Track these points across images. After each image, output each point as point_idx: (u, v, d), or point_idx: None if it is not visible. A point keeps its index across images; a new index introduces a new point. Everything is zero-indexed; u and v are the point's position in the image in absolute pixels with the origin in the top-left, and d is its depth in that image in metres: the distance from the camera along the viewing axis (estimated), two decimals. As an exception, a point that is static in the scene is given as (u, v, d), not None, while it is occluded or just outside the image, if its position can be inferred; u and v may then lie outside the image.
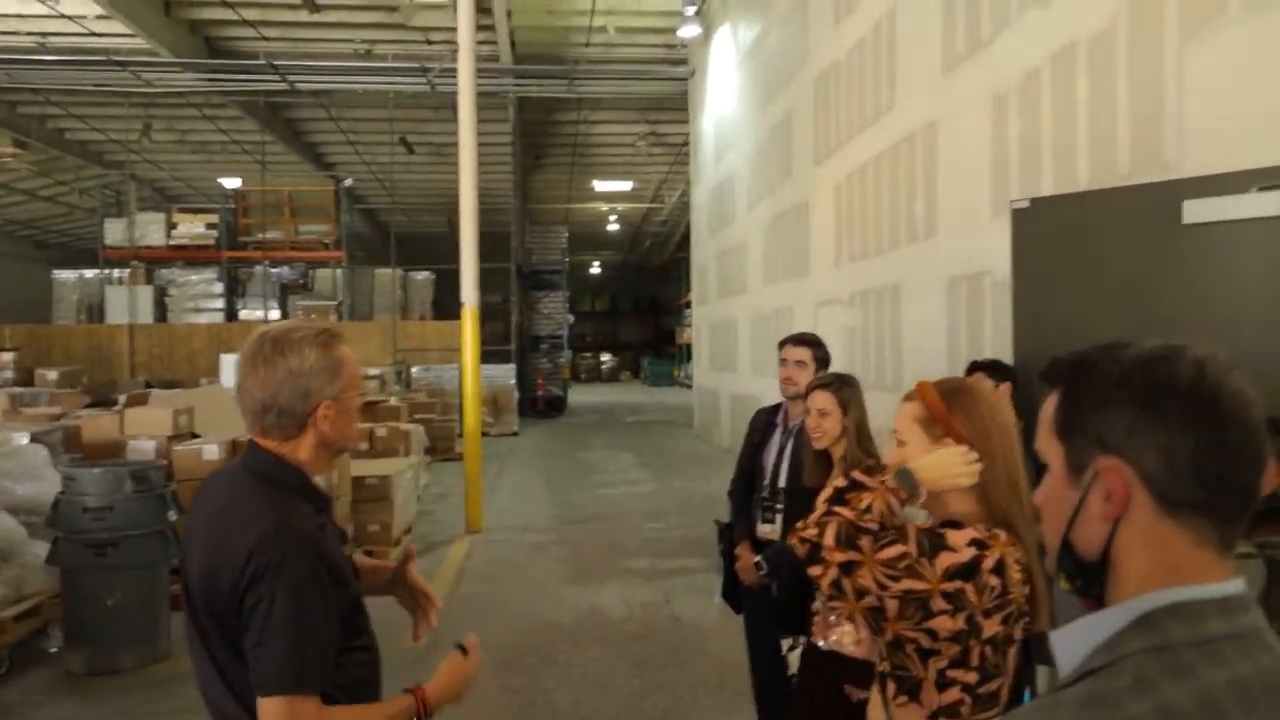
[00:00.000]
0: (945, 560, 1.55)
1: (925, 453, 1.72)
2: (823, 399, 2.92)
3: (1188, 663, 0.78)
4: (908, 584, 1.55)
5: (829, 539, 1.63)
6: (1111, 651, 0.82)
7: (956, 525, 1.62)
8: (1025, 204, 3.85)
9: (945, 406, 1.72)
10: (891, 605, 1.57)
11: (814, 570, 1.64)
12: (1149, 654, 0.80)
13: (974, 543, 1.57)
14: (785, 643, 2.85)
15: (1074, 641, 0.87)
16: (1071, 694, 0.81)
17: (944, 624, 1.55)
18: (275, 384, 1.63)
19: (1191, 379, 0.84)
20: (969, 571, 1.54)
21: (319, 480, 1.77)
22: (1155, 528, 0.85)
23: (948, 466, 1.66)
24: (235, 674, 1.59)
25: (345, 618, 1.64)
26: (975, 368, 3.85)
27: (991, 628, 1.56)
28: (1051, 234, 3.69)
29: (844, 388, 2.93)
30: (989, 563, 1.55)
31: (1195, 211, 3.04)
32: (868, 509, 1.66)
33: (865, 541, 1.61)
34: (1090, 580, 0.90)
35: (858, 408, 2.93)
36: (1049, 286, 3.72)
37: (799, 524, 1.73)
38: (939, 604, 1.54)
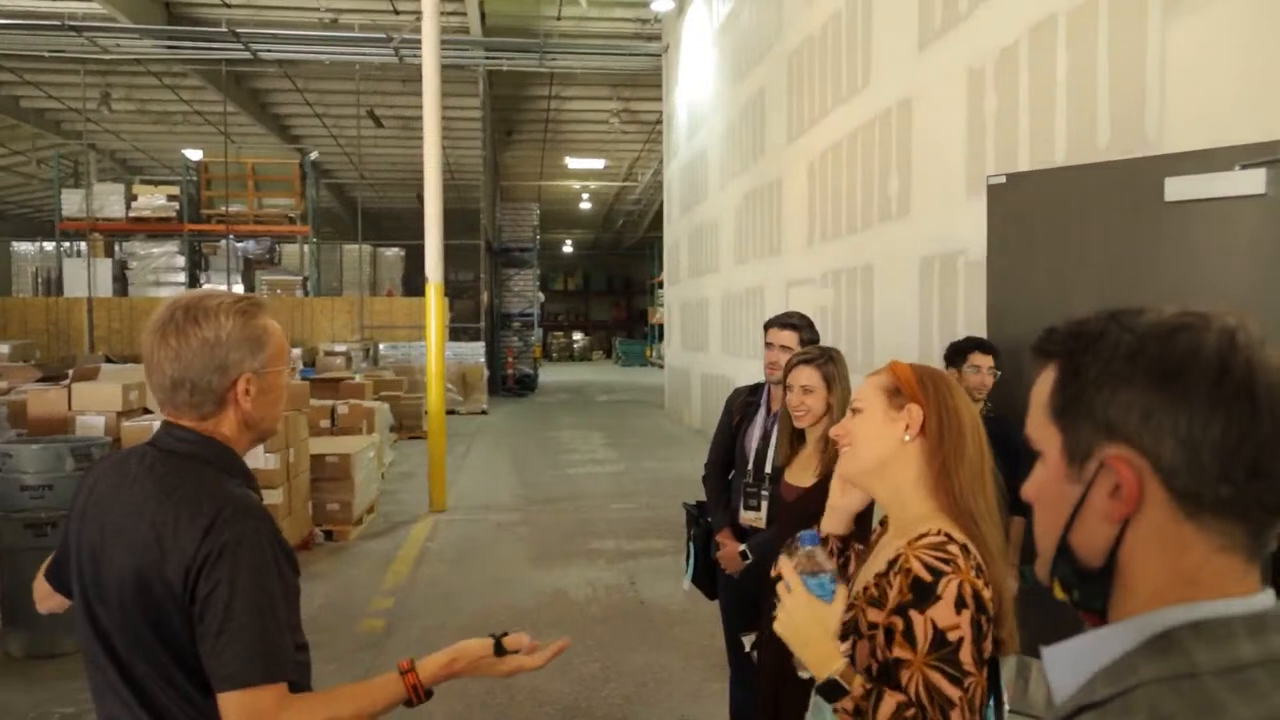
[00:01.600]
0: (967, 655, 1.39)
1: (884, 421, 1.58)
2: (807, 375, 2.73)
3: (1216, 696, 0.64)
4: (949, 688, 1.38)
5: None
6: (1119, 679, 0.68)
7: (926, 596, 1.42)
8: (1001, 179, 3.74)
9: (916, 379, 1.60)
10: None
11: None
12: (1167, 684, 0.66)
13: (958, 602, 1.40)
14: (748, 639, 2.72)
15: (1071, 662, 0.73)
16: None
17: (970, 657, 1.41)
18: (188, 356, 1.46)
19: (1220, 353, 0.69)
20: (979, 629, 1.40)
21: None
22: (1172, 530, 0.71)
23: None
24: (160, 695, 1.40)
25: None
26: (960, 346, 3.70)
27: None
28: (1028, 210, 3.58)
29: (829, 363, 2.75)
30: (967, 593, 1.41)
31: (1178, 189, 2.94)
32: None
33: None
34: (1091, 590, 0.75)
35: (843, 384, 2.75)
36: (1025, 264, 3.62)
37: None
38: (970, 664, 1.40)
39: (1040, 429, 0.79)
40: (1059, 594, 0.79)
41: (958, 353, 3.66)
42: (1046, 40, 4.68)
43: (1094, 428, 0.74)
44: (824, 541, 1.64)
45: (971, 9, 5.46)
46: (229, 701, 1.34)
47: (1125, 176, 3.24)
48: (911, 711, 1.36)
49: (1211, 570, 0.70)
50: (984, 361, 3.57)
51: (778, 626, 1.45)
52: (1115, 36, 4.14)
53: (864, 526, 1.92)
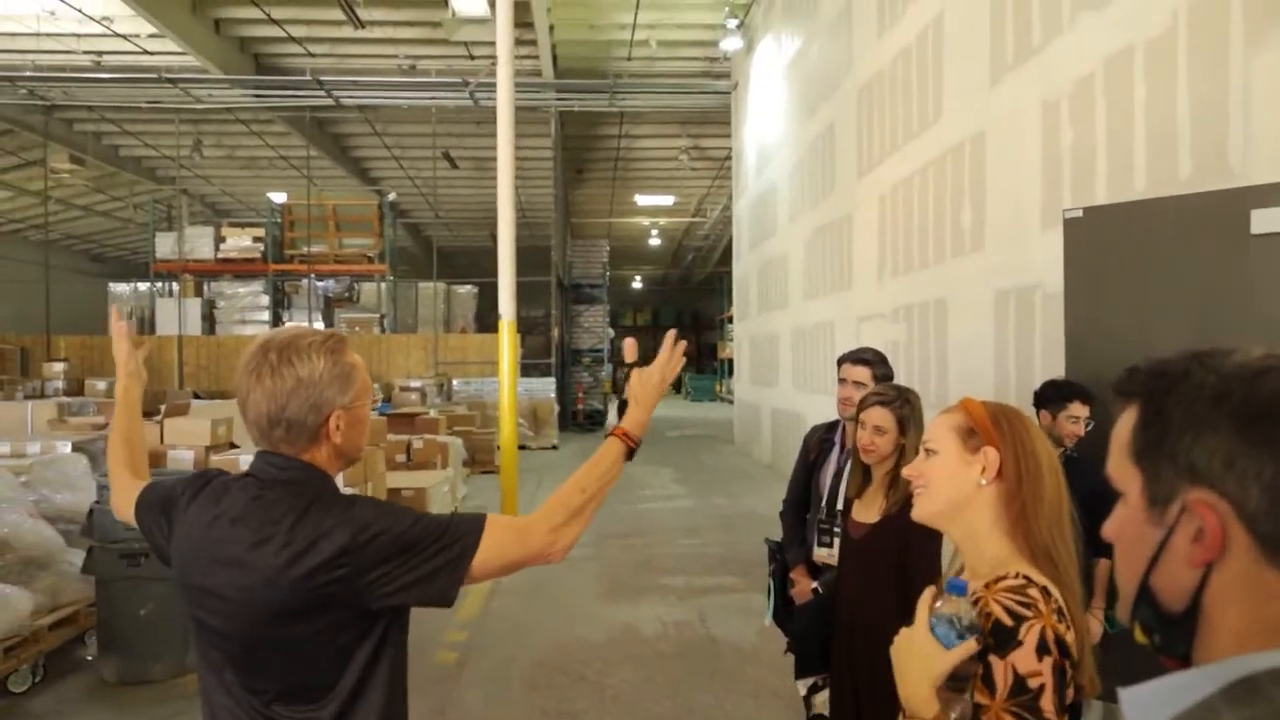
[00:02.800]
0: (1049, 703, 1.36)
1: (958, 463, 1.57)
2: (880, 416, 2.70)
3: None
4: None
5: None
6: None
7: (1007, 641, 1.39)
8: (1078, 213, 3.68)
9: (991, 419, 1.58)
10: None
11: None
12: None
13: (1040, 648, 1.38)
14: (803, 683, 2.68)
15: (1150, 705, 0.71)
16: None
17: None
18: (284, 395, 1.51)
19: None
20: (1061, 676, 1.38)
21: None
22: (1257, 576, 0.70)
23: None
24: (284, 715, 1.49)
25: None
26: (1061, 391, 3.54)
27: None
28: (1107, 244, 3.52)
29: (904, 405, 2.70)
30: (1050, 639, 1.39)
31: (1265, 221, 2.85)
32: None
33: None
34: (1173, 635, 0.74)
35: (917, 427, 2.69)
36: (1104, 299, 3.54)
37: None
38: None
39: (1121, 469, 0.79)
40: (1140, 637, 0.78)
41: (1056, 397, 3.51)
42: (1123, 71, 4.60)
43: (1176, 471, 0.73)
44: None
45: (1045, 42, 5.41)
46: (482, 564, 1.50)
47: (1209, 208, 3.16)
48: None
49: None
50: (1083, 412, 3.42)
51: (893, 648, 1.44)
52: (1195, 67, 4.06)
53: None
